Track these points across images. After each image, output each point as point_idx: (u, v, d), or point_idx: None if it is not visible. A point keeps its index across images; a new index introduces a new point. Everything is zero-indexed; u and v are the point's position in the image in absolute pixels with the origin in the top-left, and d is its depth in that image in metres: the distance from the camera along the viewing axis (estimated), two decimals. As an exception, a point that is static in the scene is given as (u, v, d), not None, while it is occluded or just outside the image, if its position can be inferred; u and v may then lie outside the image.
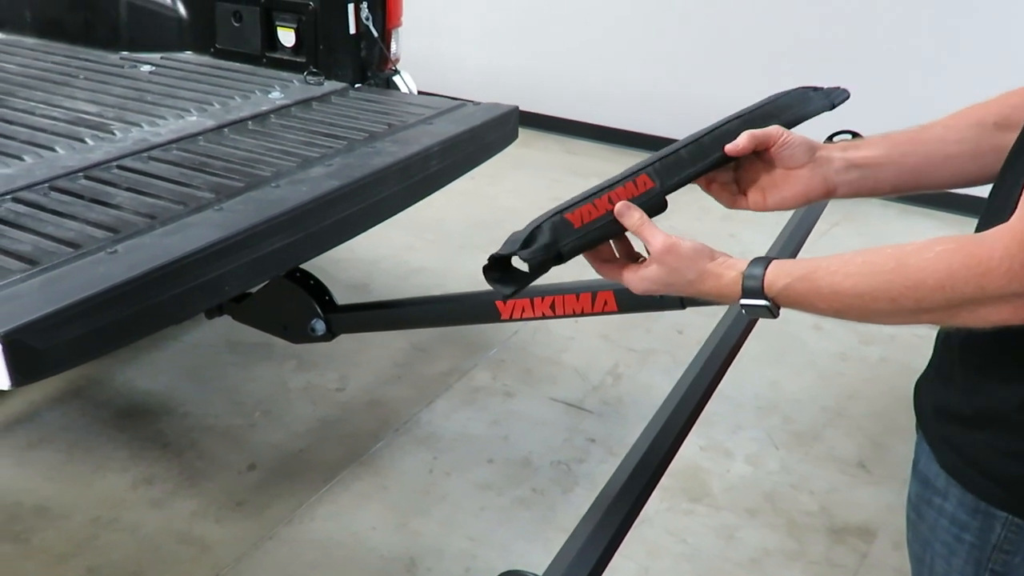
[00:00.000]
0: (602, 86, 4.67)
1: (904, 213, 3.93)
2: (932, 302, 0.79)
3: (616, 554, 0.98)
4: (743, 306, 0.91)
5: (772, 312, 0.91)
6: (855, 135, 1.63)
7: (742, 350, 1.56)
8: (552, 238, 0.93)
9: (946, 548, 0.94)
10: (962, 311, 0.78)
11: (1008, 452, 0.86)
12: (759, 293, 0.90)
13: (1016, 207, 0.76)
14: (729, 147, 1.07)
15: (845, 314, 0.87)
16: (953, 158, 1.06)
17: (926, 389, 1.00)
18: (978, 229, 0.93)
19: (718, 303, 0.98)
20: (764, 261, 0.91)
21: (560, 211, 0.95)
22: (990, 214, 0.89)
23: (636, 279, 0.98)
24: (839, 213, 3.77)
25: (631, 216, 0.97)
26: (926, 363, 1.03)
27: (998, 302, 0.76)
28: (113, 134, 2.18)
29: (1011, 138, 0.99)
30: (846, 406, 2.65)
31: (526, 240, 0.92)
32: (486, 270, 0.96)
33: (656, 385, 2.68)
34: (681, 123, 4.71)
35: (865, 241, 3.67)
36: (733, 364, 1.51)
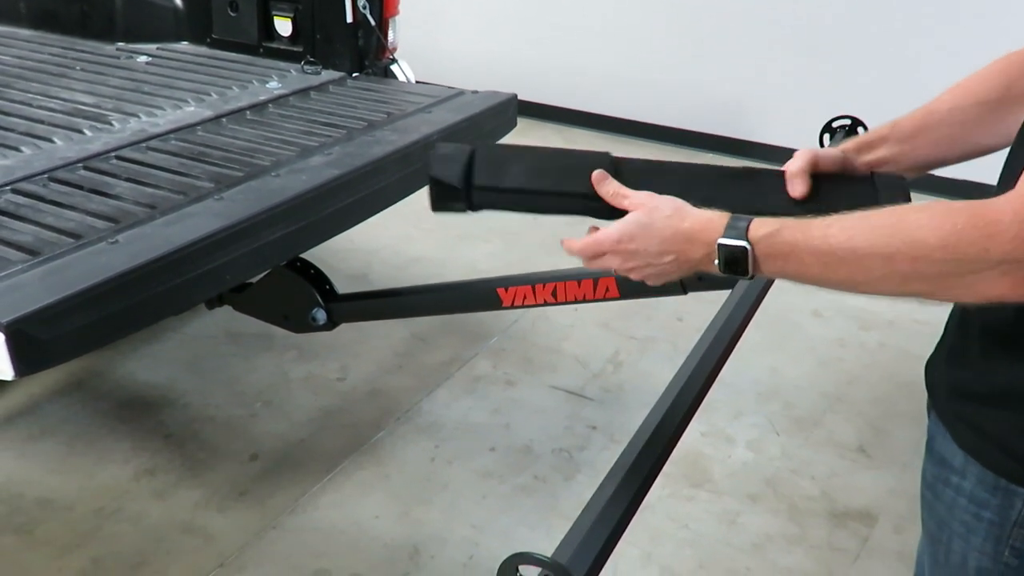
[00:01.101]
0: (600, 74, 4.66)
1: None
2: (930, 264, 0.75)
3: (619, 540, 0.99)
4: (720, 247, 0.86)
5: (747, 262, 0.84)
6: (854, 120, 1.63)
7: (743, 338, 1.56)
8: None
9: (964, 527, 0.93)
10: (959, 281, 0.75)
11: None
12: (741, 234, 0.85)
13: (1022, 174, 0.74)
14: (790, 167, 1.04)
15: (832, 274, 0.82)
16: (963, 137, 1.07)
17: (939, 370, 0.98)
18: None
19: (689, 257, 0.90)
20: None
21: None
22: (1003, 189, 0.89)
23: (611, 228, 0.94)
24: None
25: (607, 184, 0.98)
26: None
27: (998, 271, 0.73)
28: (111, 125, 2.18)
29: (1018, 110, 1.00)
30: (846, 392, 2.66)
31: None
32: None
33: (656, 372, 2.69)
34: (679, 111, 4.72)
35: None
36: (734, 352, 1.51)
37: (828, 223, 0.81)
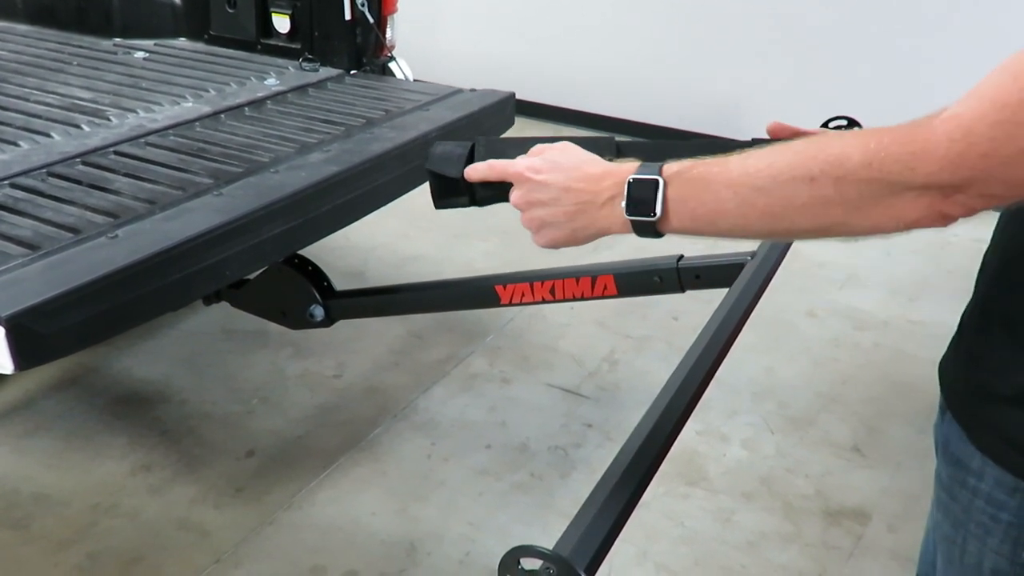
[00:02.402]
0: (598, 74, 4.67)
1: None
2: (852, 185, 0.72)
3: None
4: (631, 183, 0.81)
5: (655, 198, 0.79)
6: (851, 121, 1.64)
7: (739, 338, 1.56)
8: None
9: (981, 528, 0.93)
10: (877, 203, 0.72)
11: None
12: (654, 170, 0.80)
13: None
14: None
15: (749, 208, 0.77)
16: None
17: (956, 370, 0.97)
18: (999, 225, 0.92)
19: (594, 199, 0.85)
20: None
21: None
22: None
23: (528, 155, 0.91)
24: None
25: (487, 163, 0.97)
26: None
27: (917, 193, 0.71)
28: (109, 120, 2.18)
29: None
30: (840, 391, 2.67)
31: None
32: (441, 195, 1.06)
33: (652, 371, 2.70)
34: (677, 112, 4.72)
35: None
36: (729, 351, 1.52)
37: (746, 155, 0.77)
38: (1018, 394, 0.87)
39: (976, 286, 0.96)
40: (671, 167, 0.81)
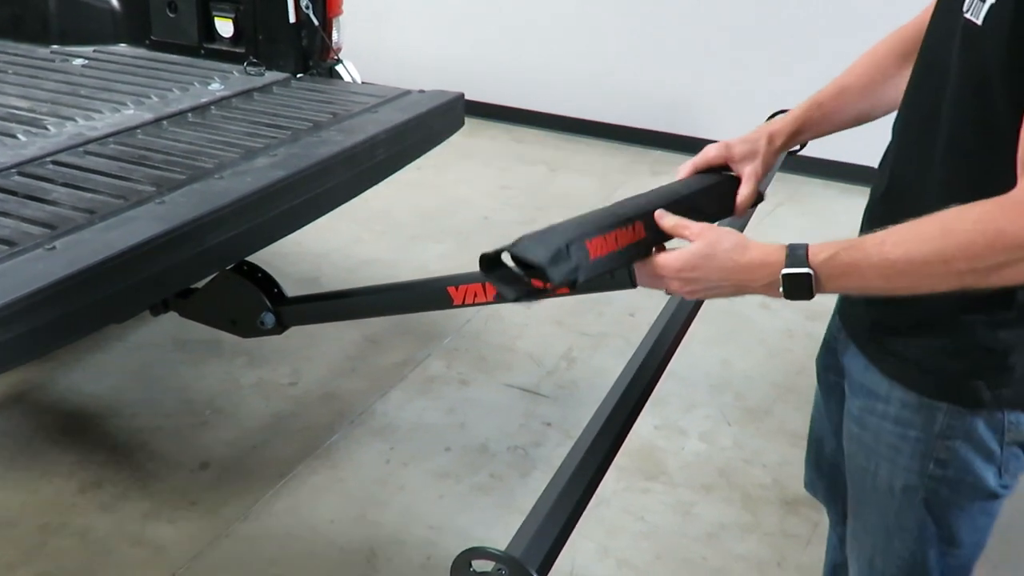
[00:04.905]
0: (547, 73, 4.68)
1: (844, 192, 4.02)
2: (984, 261, 0.82)
3: (576, 533, 0.99)
4: (784, 276, 0.91)
5: (811, 286, 0.90)
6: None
7: (694, 332, 1.57)
8: (576, 264, 0.93)
9: (891, 449, 1.04)
10: (1008, 268, 0.82)
11: (946, 351, 0.99)
12: (803, 262, 0.90)
13: None
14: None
15: (894, 284, 0.88)
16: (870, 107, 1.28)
17: (857, 310, 1.11)
18: (886, 157, 1.06)
19: (749, 286, 0.96)
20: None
21: (580, 236, 0.94)
22: (908, 145, 1.01)
23: (673, 256, 0.98)
24: (783, 193, 3.84)
25: (667, 218, 1.02)
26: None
27: None
28: (47, 129, 2.12)
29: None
30: (795, 381, 2.71)
31: (554, 257, 0.91)
32: (489, 267, 0.95)
33: (610, 368, 2.70)
34: (626, 109, 4.75)
35: (810, 220, 3.75)
36: (685, 346, 1.52)
37: (879, 241, 0.87)
38: (917, 324, 1.01)
39: (861, 230, 1.06)
40: (816, 255, 0.90)
